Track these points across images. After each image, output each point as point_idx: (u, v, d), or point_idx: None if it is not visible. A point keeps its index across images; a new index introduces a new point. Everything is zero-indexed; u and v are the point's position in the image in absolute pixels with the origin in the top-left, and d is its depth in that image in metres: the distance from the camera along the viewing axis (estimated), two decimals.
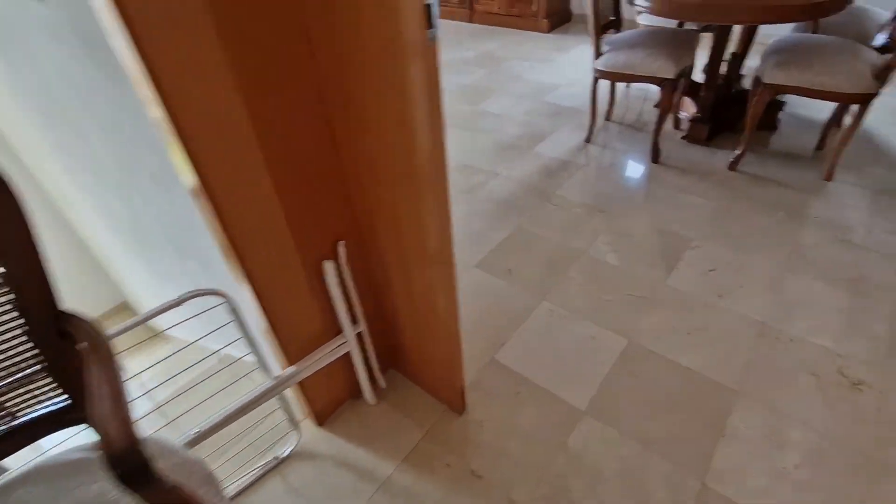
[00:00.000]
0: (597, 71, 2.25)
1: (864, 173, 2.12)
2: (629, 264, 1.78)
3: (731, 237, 1.86)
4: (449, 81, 3.39)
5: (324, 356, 1.16)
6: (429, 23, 0.68)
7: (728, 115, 2.43)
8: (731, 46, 2.46)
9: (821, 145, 2.30)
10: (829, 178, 2.10)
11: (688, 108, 2.53)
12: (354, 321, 1.20)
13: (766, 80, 1.95)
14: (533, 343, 1.53)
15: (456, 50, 3.92)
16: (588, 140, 2.54)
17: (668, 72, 2.05)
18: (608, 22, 2.40)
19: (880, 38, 2.03)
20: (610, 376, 1.42)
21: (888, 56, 1.78)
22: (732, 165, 2.21)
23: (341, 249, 1.07)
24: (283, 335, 1.08)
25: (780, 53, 1.94)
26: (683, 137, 2.47)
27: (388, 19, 0.70)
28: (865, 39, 2.06)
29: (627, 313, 1.60)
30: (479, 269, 1.82)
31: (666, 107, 2.18)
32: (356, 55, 0.79)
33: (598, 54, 2.23)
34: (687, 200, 2.07)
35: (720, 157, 2.31)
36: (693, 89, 2.55)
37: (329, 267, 1.05)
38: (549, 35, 4.01)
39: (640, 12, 2.51)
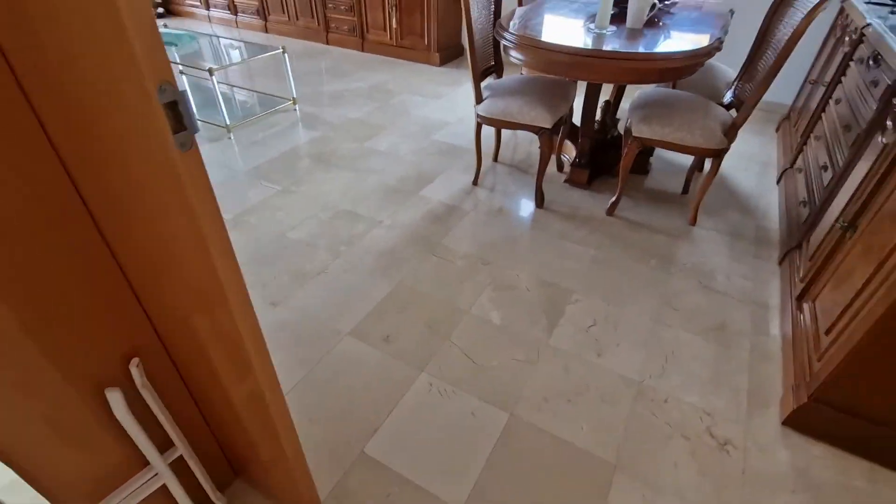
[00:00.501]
0: (478, 116, 2.21)
1: (722, 218, 2.28)
2: (512, 322, 1.71)
3: (610, 287, 1.87)
4: (337, 115, 3.21)
5: (125, 499, 0.91)
6: (180, 125, 0.51)
7: (606, 159, 2.52)
8: (606, 94, 2.57)
9: (686, 189, 2.46)
10: (693, 222, 2.23)
11: (569, 152, 2.59)
12: (170, 445, 0.96)
13: (634, 132, 2.02)
14: (409, 428, 1.38)
15: (346, 80, 3.75)
16: (475, 183, 2.49)
17: (545, 121, 2.06)
18: (489, 66, 2.38)
19: (728, 96, 2.21)
20: (490, 461, 1.30)
21: (734, 113, 1.92)
22: (610, 210, 2.27)
23: (135, 369, 0.84)
24: (53, 489, 0.81)
25: (644, 108, 2.03)
26: (566, 181, 2.51)
27: (131, 127, 0.52)
28: (717, 96, 2.24)
29: (510, 381, 1.51)
30: (352, 337, 1.64)
31: (545, 154, 2.18)
32: (111, 171, 0.59)
33: (480, 99, 2.20)
34: (569, 249, 2.07)
35: (600, 201, 2.37)
36: (574, 133, 2.62)
37: (115, 396, 0.81)
38: (441, 69, 4.00)
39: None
